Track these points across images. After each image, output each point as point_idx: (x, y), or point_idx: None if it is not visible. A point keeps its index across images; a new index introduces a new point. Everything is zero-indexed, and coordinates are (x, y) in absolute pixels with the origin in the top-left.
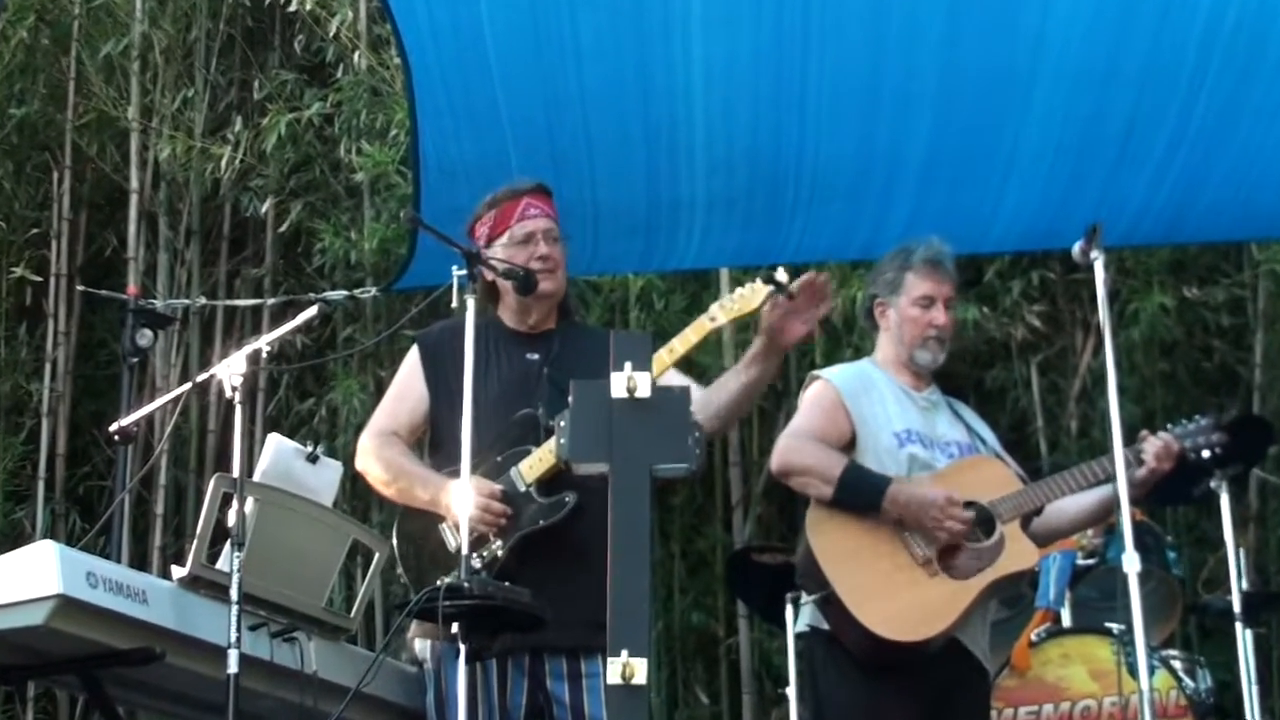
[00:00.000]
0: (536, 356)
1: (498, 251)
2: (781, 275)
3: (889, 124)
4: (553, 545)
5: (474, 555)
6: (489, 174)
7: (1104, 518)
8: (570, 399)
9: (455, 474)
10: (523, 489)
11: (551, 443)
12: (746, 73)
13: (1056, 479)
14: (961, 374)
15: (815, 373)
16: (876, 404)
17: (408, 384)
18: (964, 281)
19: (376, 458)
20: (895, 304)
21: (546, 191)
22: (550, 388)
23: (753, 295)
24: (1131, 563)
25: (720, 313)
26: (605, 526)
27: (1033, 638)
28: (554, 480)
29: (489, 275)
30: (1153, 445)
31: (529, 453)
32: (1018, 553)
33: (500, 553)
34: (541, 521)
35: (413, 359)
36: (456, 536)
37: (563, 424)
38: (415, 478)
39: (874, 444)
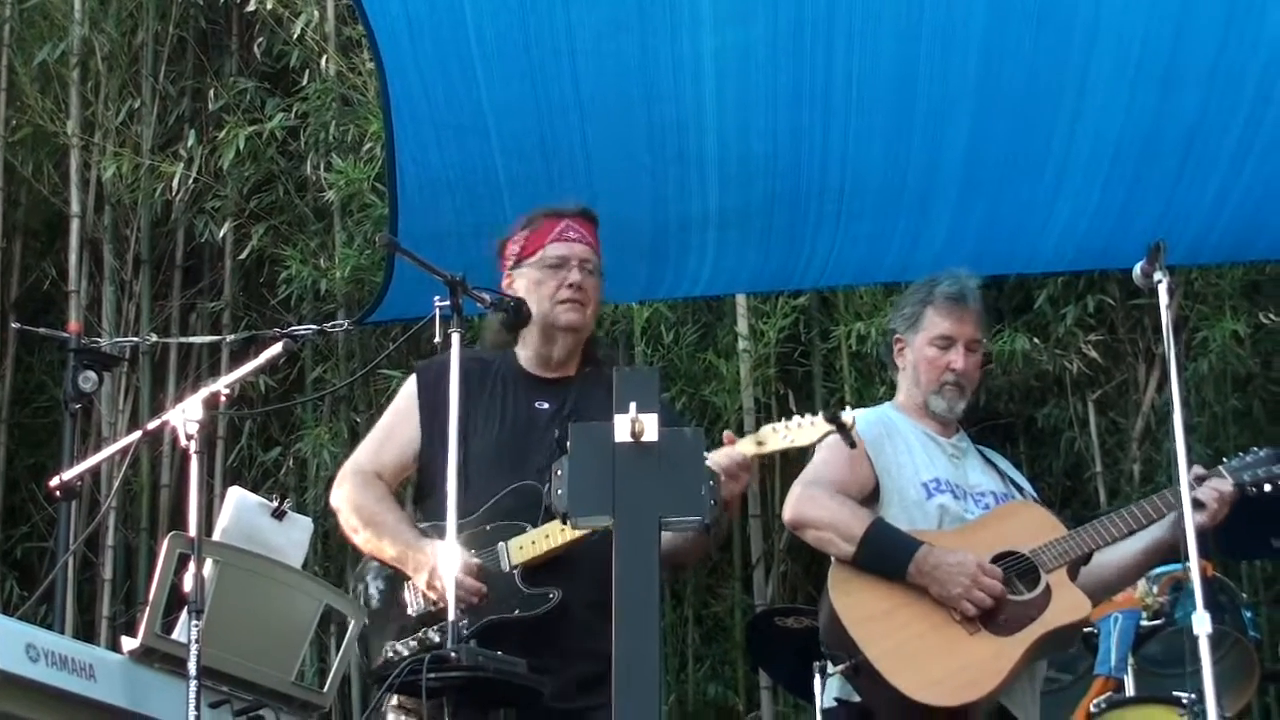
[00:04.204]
0: (547, 406)
1: (524, 273)
2: (849, 417)
3: (924, 127)
4: (526, 636)
5: (433, 629)
6: (475, 191)
7: (1151, 566)
8: (569, 444)
9: (429, 533)
10: (506, 569)
11: (549, 527)
12: (763, 70)
13: (1104, 521)
14: (1010, 413)
15: None
16: (902, 452)
17: (399, 420)
18: (1011, 308)
19: (349, 500)
20: (912, 342)
21: (594, 219)
22: (557, 450)
23: (812, 430)
24: (1202, 624)
25: (772, 438)
26: (592, 616)
27: (1092, 708)
28: (543, 567)
29: (514, 290)
30: (1207, 491)
31: (523, 530)
32: (1067, 604)
33: (464, 633)
34: (518, 612)
35: (408, 392)
36: (418, 601)
37: (560, 473)
38: (386, 530)
39: (899, 496)
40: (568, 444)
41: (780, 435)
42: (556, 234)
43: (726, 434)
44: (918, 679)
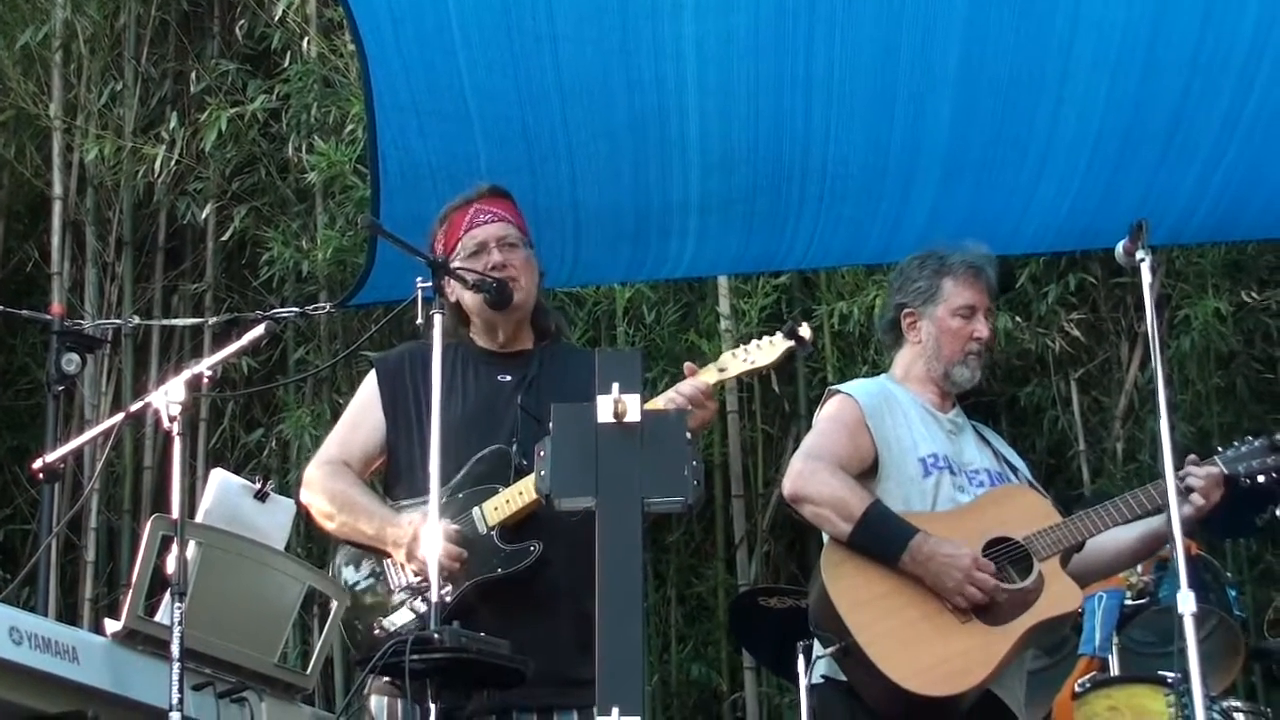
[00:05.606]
0: (509, 378)
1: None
2: (805, 331)
3: (906, 111)
4: (512, 594)
5: (417, 599)
6: (456, 175)
7: (1148, 554)
8: (551, 425)
9: (403, 508)
10: (483, 531)
11: (522, 484)
12: (745, 55)
13: (1099, 511)
14: (992, 392)
15: (835, 387)
16: (901, 425)
17: (363, 411)
18: None
19: (321, 489)
20: (930, 314)
21: (502, 194)
22: (522, 415)
23: (771, 349)
24: (1187, 602)
25: (732, 363)
26: (574, 574)
27: (1076, 688)
28: (520, 525)
29: (452, 290)
30: (1197, 479)
31: (495, 492)
32: (1059, 594)
33: (448, 599)
34: (500, 570)
35: (370, 384)
36: (399, 575)
37: (543, 453)
38: (360, 510)
39: (897, 471)
40: (550, 425)
41: (740, 359)
42: (468, 222)
43: (688, 365)
44: (909, 666)
